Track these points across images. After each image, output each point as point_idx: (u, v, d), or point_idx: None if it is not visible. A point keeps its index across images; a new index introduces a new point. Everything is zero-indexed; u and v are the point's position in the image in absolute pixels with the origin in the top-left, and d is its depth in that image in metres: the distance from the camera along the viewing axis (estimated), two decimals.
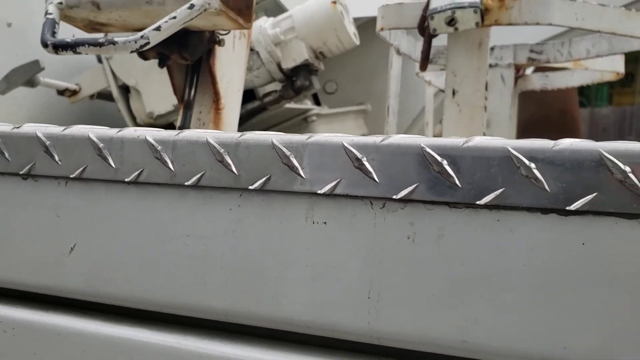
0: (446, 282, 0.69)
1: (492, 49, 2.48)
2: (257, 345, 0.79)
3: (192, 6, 1.29)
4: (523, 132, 2.94)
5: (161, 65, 1.60)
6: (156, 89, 2.90)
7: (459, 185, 0.68)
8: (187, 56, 1.56)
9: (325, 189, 0.74)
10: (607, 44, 2.19)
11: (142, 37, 1.25)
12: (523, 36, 2.67)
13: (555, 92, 3.18)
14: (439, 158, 0.69)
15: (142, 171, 0.83)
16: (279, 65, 2.83)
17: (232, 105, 1.73)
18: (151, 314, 0.85)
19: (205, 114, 1.67)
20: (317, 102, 3.70)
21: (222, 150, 0.78)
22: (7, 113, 2.96)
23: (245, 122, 2.94)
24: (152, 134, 0.82)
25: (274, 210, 0.77)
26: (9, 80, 2.67)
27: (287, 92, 2.89)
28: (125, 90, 3.08)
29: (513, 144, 0.66)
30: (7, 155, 0.90)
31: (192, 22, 1.32)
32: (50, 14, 1.39)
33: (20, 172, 0.90)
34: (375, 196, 0.72)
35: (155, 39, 1.25)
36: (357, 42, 2.87)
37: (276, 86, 3.01)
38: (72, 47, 1.31)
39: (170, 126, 2.94)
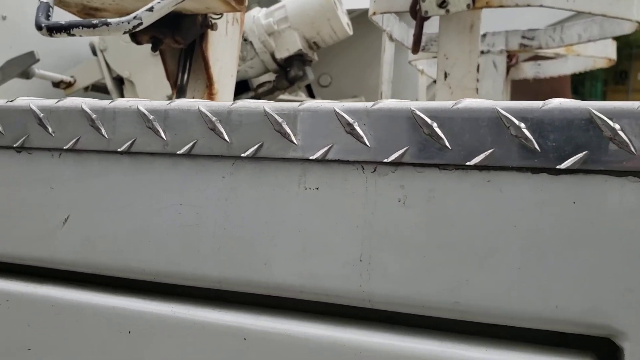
0: (437, 244, 0.70)
1: (484, 35, 2.49)
2: (251, 312, 0.80)
3: None
4: None
5: (154, 49, 1.60)
6: (150, 80, 2.91)
7: (449, 147, 0.69)
8: (180, 39, 1.56)
9: (317, 154, 0.74)
10: (598, 28, 2.19)
11: (135, 17, 1.25)
12: (517, 26, 2.67)
13: (548, 84, 3.18)
14: (428, 120, 0.69)
15: (134, 141, 0.83)
16: (272, 56, 2.84)
17: (225, 90, 1.73)
18: (145, 283, 0.86)
19: (199, 98, 1.67)
20: (311, 94, 3.71)
21: (214, 119, 0.78)
22: None
23: None
24: (144, 104, 0.83)
25: (266, 177, 0.77)
26: (4, 72, 2.66)
27: (281, 83, 2.89)
28: (119, 81, 3.09)
29: (502, 105, 0.67)
30: (0, 128, 0.90)
31: (184, 4, 1.33)
32: None
33: (14, 145, 0.90)
34: (367, 160, 0.72)
35: (148, 19, 1.25)
36: (351, 32, 2.88)
37: (270, 77, 3.01)
38: (66, 29, 1.31)
39: None
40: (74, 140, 0.86)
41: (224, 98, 1.71)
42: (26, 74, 2.74)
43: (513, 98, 2.76)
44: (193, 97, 1.67)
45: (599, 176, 0.64)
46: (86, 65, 3.14)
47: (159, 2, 1.27)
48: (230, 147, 0.78)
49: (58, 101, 0.88)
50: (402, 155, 0.70)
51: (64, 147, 0.87)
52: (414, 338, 0.73)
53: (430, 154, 0.69)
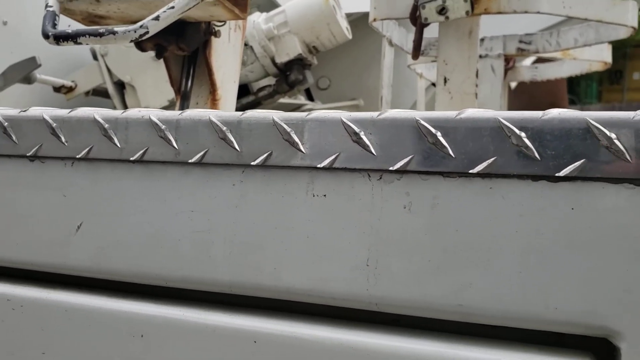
0: (441, 248, 0.72)
1: (482, 40, 2.52)
2: (261, 316, 0.82)
3: None
4: None
5: (158, 56, 1.62)
6: (151, 84, 2.94)
7: (453, 156, 0.71)
8: (184, 47, 1.58)
9: (325, 162, 0.77)
10: (594, 33, 2.23)
11: (141, 26, 1.28)
12: (515, 31, 2.70)
13: (545, 87, 3.21)
14: (433, 130, 0.72)
15: (146, 150, 0.85)
16: (272, 60, 2.86)
17: (228, 96, 1.75)
18: (157, 288, 0.88)
19: (202, 104, 1.69)
20: (310, 98, 3.74)
21: (224, 128, 0.81)
22: None
23: None
24: (156, 114, 0.85)
25: (275, 184, 0.80)
26: (6, 78, 2.68)
27: (281, 87, 2.92)
28: (120, 86, 3.11)
29: (504, 115, 0.69)
30: (14, 138, 0.93)
31: (189, 12, 1.35)
32: (51, 6, 1.41)
33: (28, 154, 0.92)
34: (373, 168, 0.75)
35: (154, 28, 1.28)
36: (350, 36, 2.91)
37: (270, 81, 3.04)
38: (72, 37, 1.34)
39: None
40: (87, 149, 0.89)
41: (227, 104, 1.74)
42: (28, 79, 2.76)
43: (510, 101, 2.79)
44: (197, 103, 1.70)
45: (596, 183, 0.67)
46: (87, 70, 3.16)
47: (164, 11, 1.29)
48: (240, 155, 0.81)
49: (71, 111, 0.91)
50: (407, 163, 0.73)
51: (77, 156, 0.89)
52: (419, 340, 0.75)
53: (435, 162, 0.72)
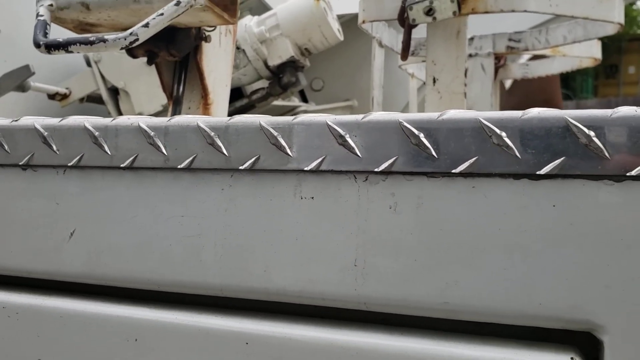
0: (427, 247, 0.74)
1: (472, 39, 2.54)
2: (252, 317, 0.84)
3: (178, 3, 1.33)
4: None
5: (150, 62, 1.63)
6: (144, 90, 2.95)
7: (436, 156, 0.73)
8: (175, 52, 1.60)
9: (312, 165, 0.78)
10: (582, 30, 2.24)
11: (131, 34, 1.29)
12: (505, 29, 2.72)
13: (538, 83, 3.23)
14: (416, 131, 0.73)
15: (136, 157, 0.87)
16: (265, 63, 2.87)
17: (220, 100, 1.77)
18: (149, 293, 0.89)
19: (194, 109, 1.71)
20: (304, 99, 3.75)
21: (212, 134, 0.82)
22: None
23: None
24: (144, 121, 0.87)
25: (263, 188, 0.81)
26: (0, 86, 2.69)
27: (274, 89, 2.93)
28: (114, 92, 3.12)
29: (484, 115, 0.71)
30: (6, 147, 0.94)
31: (179, 18, 1.36)
32: (42, 15, 1.43)
33: (20, 163, 0.93)
34: (358, 170, 0.76)
35: (144, 35, 1.29)
36: (341, 38, 2.92)
37: (263, 84, 3.05)
38: (64, 46, 1.35)
39: None
40: (78, 157, 0.90)
41: (220, 108, 1.75)
42: (22, 87, 2.77)
43: (504, 99, 2.80)
44: (189, 108, 1.71)
45: (576, 180, 0.68)
46: (81, 76, 3.16)
47: (154, 18, 1.31)
48: (228, 160, 0.82)
49: (61, 120, 0.92)
50: (392, 164, 0.74)
51: (68, 164, 0.91)
52: (407, 338, 0.77)
53: (419, 162, 0.73)
